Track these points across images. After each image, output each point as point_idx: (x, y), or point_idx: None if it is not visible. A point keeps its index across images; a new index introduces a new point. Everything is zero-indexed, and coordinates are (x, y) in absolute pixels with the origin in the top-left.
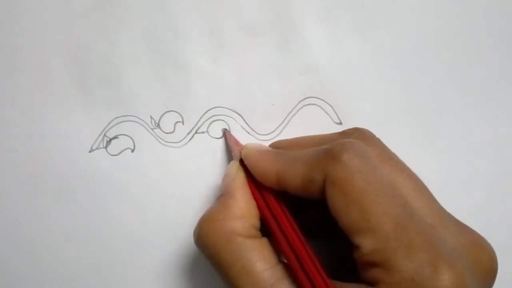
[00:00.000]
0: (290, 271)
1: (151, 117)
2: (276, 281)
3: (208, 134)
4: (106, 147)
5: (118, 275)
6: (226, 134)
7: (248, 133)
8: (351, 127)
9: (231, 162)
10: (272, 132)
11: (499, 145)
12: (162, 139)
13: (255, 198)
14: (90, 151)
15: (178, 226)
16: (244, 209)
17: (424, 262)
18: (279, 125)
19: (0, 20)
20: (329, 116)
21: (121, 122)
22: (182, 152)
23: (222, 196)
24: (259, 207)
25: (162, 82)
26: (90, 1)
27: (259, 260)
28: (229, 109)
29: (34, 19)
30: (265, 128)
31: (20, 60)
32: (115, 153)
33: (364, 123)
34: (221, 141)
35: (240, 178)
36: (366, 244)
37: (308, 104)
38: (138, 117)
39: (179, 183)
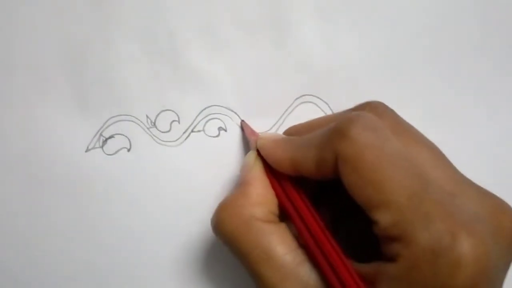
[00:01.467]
0: (309, 255)
1: (147, 116)
2: (297, 265)
3: (204, 133)
4: (102, 147)
5: (115, 274)
6: (243, 124)
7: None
8: None
9: (249, 152)
10: (268, 130)
11: (497, 144)
12: (158, 138)
13: (273, 187)
14: (86, 151)
15: (175, 225)
16: (262, 196)
17: (442, 232)
18: (275, 123)
19: None
20: (325, 113)
21: (117, 121)
22: (178, 151)
23: (241, 184)
24: (277, 196)
25: (158, 81)
26: (86, 0)
27: (279, 244)
28: (225, 107)
29: (29, 19)
30: (261, 126)
31: (15, 59)
32: (111, 153)
33: None
34: (217, 139)
35: (258, 168)
36: (383, 218)
37: (304, 102)
38: (134, 116)
39: (175, 182)
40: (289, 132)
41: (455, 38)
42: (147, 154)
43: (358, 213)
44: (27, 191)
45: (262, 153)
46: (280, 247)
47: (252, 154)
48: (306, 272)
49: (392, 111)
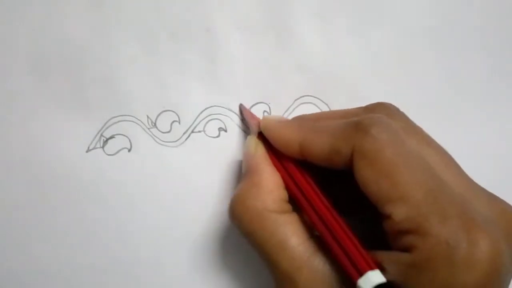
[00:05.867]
0: (322, 244)
1: (147, 116)
2: (311, 254)
3: (205, 133)
4: (103, 147)
5: (115, 274)
6: (241, 108)
7: (245, 132)
8: None
9: (248, 137)
10: None
11: (497, 144)
12: (159, 139)
13: (278, 171)
14: (87, 151)
15: (175, 225)
16: (270, 183)
17: (458, 228)
18: None
19: None
20: None
21: (118, 121)
22: (178, 152)
23: (247, 174)
24: (284, 181)
25: (159, 82)
26: (86, 1)
27: (293, 235)
28: (226, 108)
29: (30, 20)
30: None
31: (16, 60)
32: (112, 153)
33: None
34: (218, 140)
35: (260, 153)
36: (398, 212)
37: (304, 103)
38: (134, 117)
39: (176, 182)
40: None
41: (455, 38)
42: (148, 155)
43: (356, 208)
44: (28, 191)
45: (266, 133)
46: (294, 237)
47: (252, 139)
48: (321, 260)
49: (403, 113)
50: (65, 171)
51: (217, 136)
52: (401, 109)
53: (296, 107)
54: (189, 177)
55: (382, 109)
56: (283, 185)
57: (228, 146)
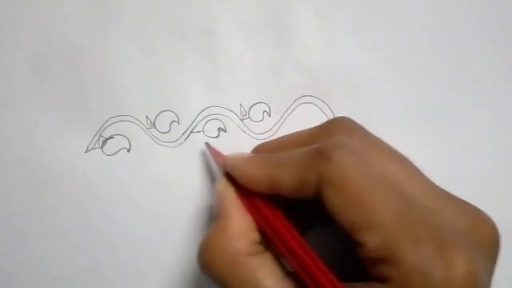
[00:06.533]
0: (298, 281)
1: (146, 116)
2: None
3: (204, 134)
4: (102, 147)
5: (115, 275)
6: (207, 148)
7: (244, 132)
8: None
9: (217, 180)
10: (268, 131)
11: (497, 144)
12: (158, 139)
13: (249, 212)
14: (86, 151)
15: (174, 226)
16: (240, 226)
17: (431, 252)
18: (275, 124)
19: None
20: (325, 114)
21: (117, 122)
22: (178, 152)
23: (217, 217)
24: (256, 222)
25: (158, 82)
26: (85, 1)
27: (266, 277)
28: (225, 108)
29: (30, 20)
30: (261, 127)
31: (15, 60)
32: (111, 153)
33: (359, 122)
34: (217, 140)
35: (229, 195)
36: (371, 240)
37: (304, 103)
38: (133, 117)
39: (175, 183)
40: (258, 149)
41: (455, 38)
42: (147, 155)
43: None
44: (27, 191)
45: (233, 173)
46: (268, 279)
47: (221, 181)
48: None
49: (361, 126)
50: (64, 171)
51: (217, 136)
52: (401, 109)
53: (296, 107)
54: (189, 177)
55: (338, 126)
56: (254, 227)
57: (228, 146)
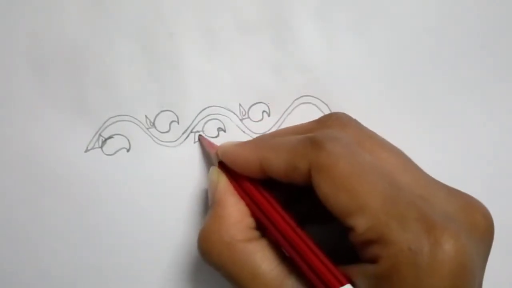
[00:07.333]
0: (295, 266)
1: (146, 116)
2: (284, 278)
3: (204, 133)
4: (101, 147)
5: (115, 275)
6: (200, 139)
7: (244, 132)
8: None
9: (210, 169)
10: (268, 131)
11: (497, 144)
12: (158, 139)
13: (242, 198)
14: (85, 151)
15: (174, 225)
16: (235, 213)
17: (418, 231)
18: (275, 124)
19: None
20: (325, 114)
21: (116, 121)
22: (177, 151)
23: (212, 206)
24: (249, 208)
25: (157, 82)
26: (85, 1)
27: (263, 262)
28: (224, 108)
29: (30, 20)
30: (261, 127)
31: (15, 60)
32: (110, 153)
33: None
34: (217, 140)
35: (223, 183)
36: (359, 223)
37: (303, 103)
38: (133, 117)
39: (175, 182)
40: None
41: (455, 39)
42: (146, 155)
43: (328, 219)
44: (27, 191)
45: (225, 159)
46: (265, 264)
47: (214, 170)
48: (294, 283)
49: (355, 120)
50: (64, 171)
51: (216, 136)
52: (401, 109)
53: (296, 107)
54: (188, 177)
55: (334, 120)
56: (248, 213)
57: None
